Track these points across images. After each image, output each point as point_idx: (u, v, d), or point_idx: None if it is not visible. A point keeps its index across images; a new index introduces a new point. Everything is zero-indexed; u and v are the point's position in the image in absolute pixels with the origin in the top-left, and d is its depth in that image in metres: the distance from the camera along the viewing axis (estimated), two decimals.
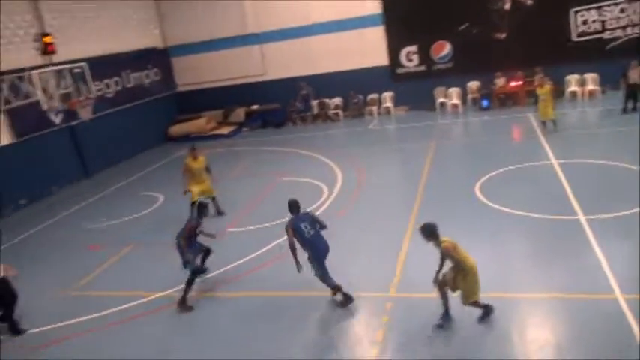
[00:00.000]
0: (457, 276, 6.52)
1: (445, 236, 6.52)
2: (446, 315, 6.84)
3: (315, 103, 21.66)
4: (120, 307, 8.57)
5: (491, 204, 10.38)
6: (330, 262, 7.69)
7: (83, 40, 18.50)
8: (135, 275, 9.86)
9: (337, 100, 21.57)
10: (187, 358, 7.09)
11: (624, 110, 15.50)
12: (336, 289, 7.67)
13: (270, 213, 11.65)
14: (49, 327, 8.34)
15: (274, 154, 17.73)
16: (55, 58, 16.70)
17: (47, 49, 16.66)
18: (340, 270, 8.00)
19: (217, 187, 12.46)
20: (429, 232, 6.51)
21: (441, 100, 20.05)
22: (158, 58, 22.66)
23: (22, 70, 15.02)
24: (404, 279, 8.15)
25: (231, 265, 9.45)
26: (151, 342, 7.60)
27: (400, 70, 20.78)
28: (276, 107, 21.80)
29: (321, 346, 6.96)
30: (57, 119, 16.60)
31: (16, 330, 8.31)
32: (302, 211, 7.81)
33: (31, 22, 16.58)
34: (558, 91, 17.45)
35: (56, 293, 9.59)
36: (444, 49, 20.15)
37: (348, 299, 7.63)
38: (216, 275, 9.19)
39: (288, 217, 7.78)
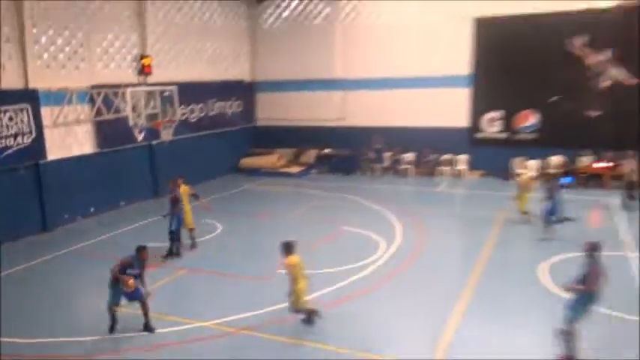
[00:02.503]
0: None
1: None
2: None
3: (388, 155, 21.77)
4: (162, 330, 8.80)
5: (552, 289, 9.86)
6: (371, 320, 7.59)
7: (177, 65, 19.94)
8: (180, 301, 10.17)
9: (410, 156, 21.56)
10: None
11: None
12: None
13: (325, 260, 11.68)
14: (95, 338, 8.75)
15: (339, 200, 17.87)
16: (149, 79, 18.02)
17: (144, 70, 18.01)
18: (381, 330, 7.84)
19: (261, 223, 12.56)
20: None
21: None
22: (244, 90, 23.87)
23: (118, 86, 16.24)
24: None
25: (275, 307, 9.47)
26: None
27: (480, 135, 20.55)
28: (349, 154, 22.09)
29: None
30: (139, 136, 17.79)
31: None
32: None
33: (135, 42, 18.10)
34: None
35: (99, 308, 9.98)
36: (529, 119, 19.77)
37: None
38: (258, 315, 9.25)
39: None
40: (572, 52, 18.74)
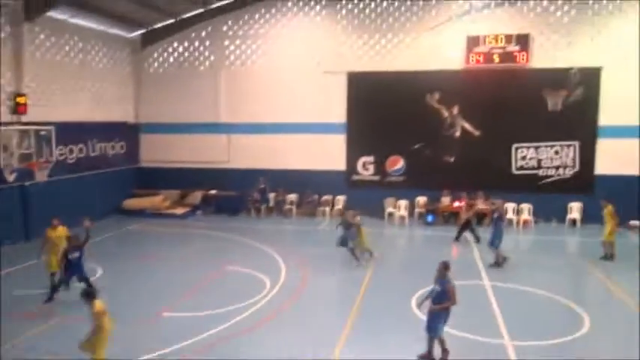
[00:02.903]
0: None
1: None
2: None
3: (272, 196, 21.87)
4: None
5: (423, 317, 10.42)
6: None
7: (56, 105, 18.51)
8: (54, 350, 9.16)
9: (293, 197, 21.86)
10: None
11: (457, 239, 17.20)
12: None
13: (210, 301, 11.33)
14: None
15: (224, 240, 17.50)
16: (25, 118, 16.53)
17: (17, 109, 16.52)
18: None
19: (145, 265, 12.04)
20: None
21: (390, 210, 20.65)
22: (127, 132, 22.73)
23: None
24: None
25: (161, 352, 8.92)
26: None
27: (355, 177, 21.52)
28: (234, 195, 21.81)
29: None
30: (10, 177, 16.05)
31: None
32: None
33: (9, 80, 16.56)
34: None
35: None
36: (397, 164, 21.14)
37: None
38: None
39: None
40: (431, 105, 20.56)
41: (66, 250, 11.40)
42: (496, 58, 19.68)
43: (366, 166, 21.45)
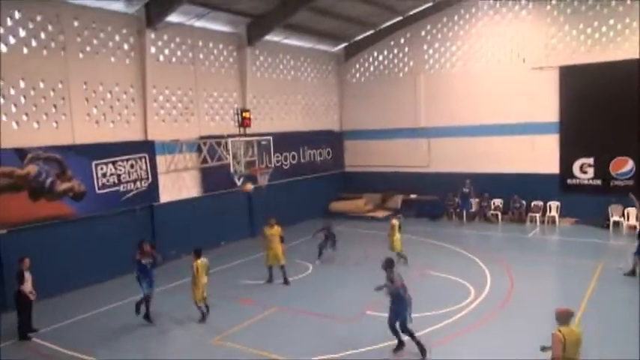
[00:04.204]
0: None
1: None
2: None
3: (474, 201, 20.98)
4: None
5: None
6: None
7: (273, 117, 20.83)
8: (270, 338, 10.21)
9: (498, 202, 20.64)
10: None
11: None
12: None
13: (415, 304, 11.31)
14: None
15: (425, 245, 17.37)
16: (248, 131, 18.85)
17: (243, 122, 18.91)
18: None
19: (348, 265, 12.53)
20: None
21: (616, 218, 17.99)
22: (333, 139, 24.34)
23: (221, 137, 17.16)
24: None
25: (362, 349, 9.23)
26: None
27: (571, 182, 19.33)
28: (434, 199, 21.59)
29: None
30: (239, 182, 18.47)
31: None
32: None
33: (236, 98, 19.21)
34: None
35: (201, 339, 10.31)
36: (625, 166, 18.36)
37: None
38: (345, 356, 9.03)
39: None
40: None
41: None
42: None
43: (584, 169, 19.11)
